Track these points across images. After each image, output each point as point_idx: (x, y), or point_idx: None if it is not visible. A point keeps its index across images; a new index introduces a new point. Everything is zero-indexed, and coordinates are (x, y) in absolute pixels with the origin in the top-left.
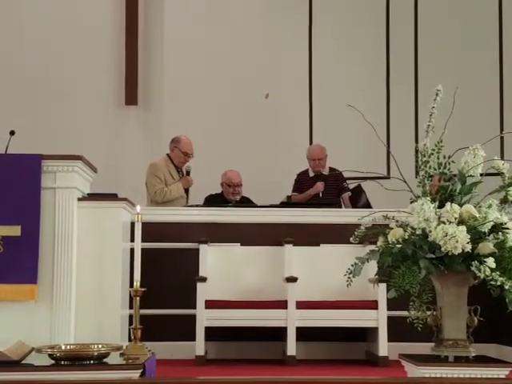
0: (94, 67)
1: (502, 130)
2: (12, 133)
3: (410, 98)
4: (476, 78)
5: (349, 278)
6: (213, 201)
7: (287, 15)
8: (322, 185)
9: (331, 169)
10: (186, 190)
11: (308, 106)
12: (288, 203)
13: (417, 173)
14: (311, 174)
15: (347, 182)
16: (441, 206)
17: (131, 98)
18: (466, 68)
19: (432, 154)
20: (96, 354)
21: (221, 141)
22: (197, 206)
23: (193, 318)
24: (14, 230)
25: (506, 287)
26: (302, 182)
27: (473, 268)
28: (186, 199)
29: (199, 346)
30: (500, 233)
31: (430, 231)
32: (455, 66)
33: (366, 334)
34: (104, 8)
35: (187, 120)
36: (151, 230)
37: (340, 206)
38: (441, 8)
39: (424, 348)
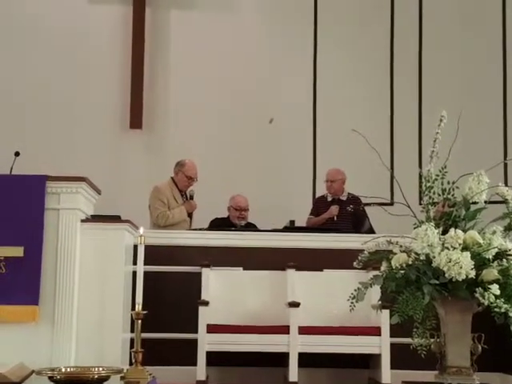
0: (100, 91)
1: (505, 156)
2: (17, 154)
3: (414, 123)
4: (480, 105)
5: (352, 303)
6: (218, 224)
7: (291, 41)
8: (337, 209)
9: (350, 194)
10: (190, 214)
11: (312, 131)
12: (291, 228)
13: (420, 198)
14: (329, 198)
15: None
16: (445, 231)
17: (136, 121)
18: (469, 94)
19: (436, 179)
20: (96, 377)
21: (225, 165)
22: (200, 229)
23: (194, 342)
24: (17, 251)
25: (511, 314)
26: (319, 205)
27: (477, 295)
28: (190, 223)
29: (200, 371)
30: (504, 260)
31: (434, 257)
32: (459, 92)
33: (368, 361)
34: (111, 32)
35: (191, 144)
36: (154, 253)
37: (354, 232)
38: (445, 33)
39: (427, 376)
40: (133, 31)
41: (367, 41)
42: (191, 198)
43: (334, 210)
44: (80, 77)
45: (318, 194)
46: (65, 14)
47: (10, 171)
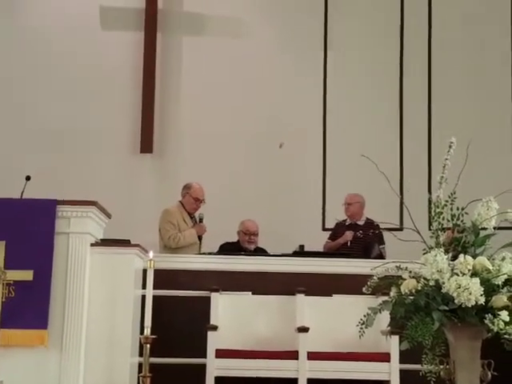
0: (111, 115)
1: None
2: (28, 178)
3: (423, 149)
4: (489, 130)
5: (361, 328)
6: (228, 249)
7: (300, 67)
8: (351, 234)
9: (368, 219)
10: (200, 237)
11: (322, 156)
12: (300, 252)
13: (430, 224)
14: (347, 223)
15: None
16: (454, 257)
17: (146, 146)
18: (479, 119)
19: (445, 205)
20: None
21: (235, 190)
22: (210, 253)
23: (203, 367)
24: (27, 275)
25: None
26: (337, 229)
27: (486, 321)
28: (199, 246)
29: None
30: None
31: (444, 283)
32: (469, 117)
33: None
34: (121, 56)
35: (201, 169)
36: (163, 277)
37: (368, 257)
38: (455, 59)
39: None
40: (144, 56)
41: (376, 64)
42: (201, 220)
43: (349, 235)
44: (91, 101)
45: (327, 219)
46: (78, 39)
47: (21, 195)
